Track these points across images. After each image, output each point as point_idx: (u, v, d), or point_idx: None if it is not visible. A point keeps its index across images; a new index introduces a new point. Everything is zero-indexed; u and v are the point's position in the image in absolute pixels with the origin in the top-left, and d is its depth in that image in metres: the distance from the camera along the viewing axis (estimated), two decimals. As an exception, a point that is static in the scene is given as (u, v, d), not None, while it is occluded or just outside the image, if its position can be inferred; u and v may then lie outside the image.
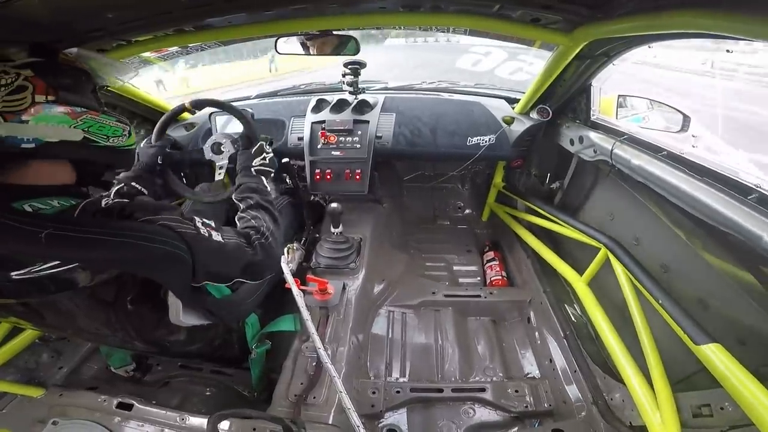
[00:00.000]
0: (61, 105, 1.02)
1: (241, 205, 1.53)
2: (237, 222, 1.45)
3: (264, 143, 1.73)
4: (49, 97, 1.00)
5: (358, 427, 1.12)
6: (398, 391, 1.72)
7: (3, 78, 0.94)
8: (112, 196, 1.14)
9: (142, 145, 1.86)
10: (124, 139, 1.17)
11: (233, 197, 1.58)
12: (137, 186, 1.67)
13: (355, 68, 2.33)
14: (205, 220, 1.20)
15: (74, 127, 1.04)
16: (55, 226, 0.90)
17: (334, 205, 1.98)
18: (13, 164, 1.01)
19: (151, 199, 1.11)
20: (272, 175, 1.73)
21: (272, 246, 1.37)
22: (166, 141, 1.94)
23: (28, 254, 0.94)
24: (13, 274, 0.94)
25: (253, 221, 1.42)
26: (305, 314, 1.47)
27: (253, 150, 1.71)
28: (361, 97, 2.47)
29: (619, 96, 1.90)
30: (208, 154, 1.98)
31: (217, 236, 1.18)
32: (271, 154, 1.74)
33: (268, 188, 1.65)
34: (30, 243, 0.88)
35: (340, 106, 2.47)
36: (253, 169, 1.66)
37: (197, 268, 1.11)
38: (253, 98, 2.92)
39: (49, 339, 1.90)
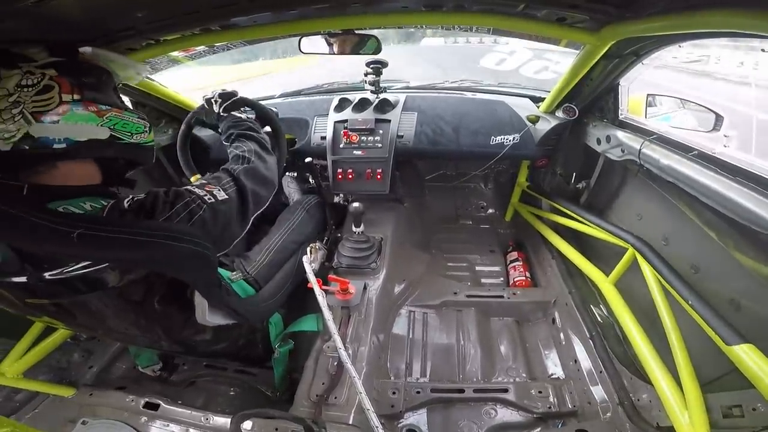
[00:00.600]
0: (88, 103, 1.03)
1: (228, 143, 1.56)
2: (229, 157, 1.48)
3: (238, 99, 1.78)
4: (75, 96, 1.01)
5: (377, 427, 1.12)
6: (418, 392, 1.71)
7: (29, 78, 0.95)
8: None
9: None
10: (145, 136, 1.19)
11: (222, 140, 1.62)
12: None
13: (377, 67, 2.34)
14: (202, 181, 1.23)
15: (101, 125, 1.05)
16: (87, 226, 0.91)
17: (355, 204, 1.98)
18: (43, 166, 1.02)
19: (161, 190, 1.12)
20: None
21: (257, 168, 1.40)
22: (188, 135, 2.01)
23: (61, 254, 0.95)
24: (46, 274, 0.96)
25: (237, 151, 1.45)
26: (327, 314, 1.47)
27: (232, 111, 1.75)
28: (382, 96, 2.48)
29: (648, 95, 1.87)
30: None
31: (219, 193, 1.21)
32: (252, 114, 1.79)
33: (254, 126, 1.67)
34: (63, 243, 0.89)
35: (362, 105, 2.48)
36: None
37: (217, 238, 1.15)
38: (277, 97, 2.96)
39: (80, 339, 1.95)
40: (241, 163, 1.37)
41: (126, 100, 1.44)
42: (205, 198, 1.15)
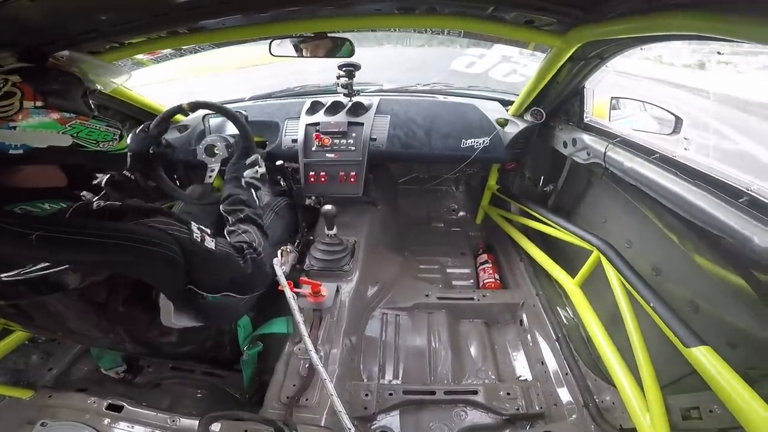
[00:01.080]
0: (50, 111, 1.02)
1: (231, 218, 1.53)
2: (227, 236, 1.45)
3: (260, 156, 1.74)
4: (38, 103, 1.00)
5: (349, 429, 1.12)
6: (391, 394, 1.71)
7: None
8: (103, 183, 1.14)
9: (136, 131, 1.87)
10: (114, 144, 1.16)
11: (221, 209, 1.58)
12: (126, 173, 1.67)
13: (350, 70, 2.31)
14: (201, 226, 1.20)
15: (63, 133, 1.04)
16: (46, 228, 0.90)
17: (328, 207, 1.96)
18: (2, 168, 1.01)
19: (142, 202, 1.11)
20: (259, 189, 1.73)
21: (263, 261, 1.39)
22: (159, 133, 1.95)
23: (18, 256, 0.93)
24: (2, 275, 0.94)
25: (244, 235, 1.42)
26: (298, 317, 1.46)
27: (248, 161, 1.72)
28: (355, 99, 2.46)
29: (612, 98, 1.90)
30: (201, 156, 1.97)
31: (210, 243, 1.18)
32: (264, 169, 1.75)
33: (257, 202, 1.66)
34: (20, 245, 0.88)
35: (334, 108, 2.46)
36: (243, 181, 1.66)
37: (186, 271, 1.11)
38: (247, 100, 2.92)
39: (38, 340, 1.89)
40: (251, 249, 1.36)
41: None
42: (193, 235, 1.13)
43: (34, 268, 0.94)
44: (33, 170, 1.05)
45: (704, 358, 1.08)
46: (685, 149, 1.46)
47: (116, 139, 1.17)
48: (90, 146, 1.10)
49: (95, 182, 1.26)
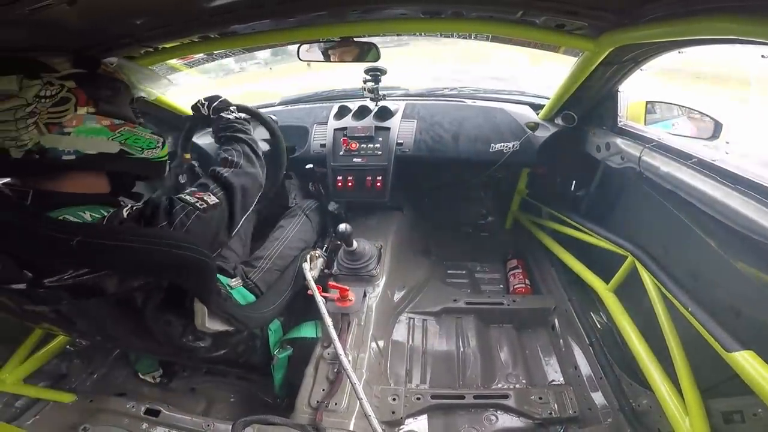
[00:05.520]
0: (101, 117, 1.05)
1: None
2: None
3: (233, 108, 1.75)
4: (90, 109, 1.04)
5: None
6: (419, 398, 1.70)
7: (48, 89, 0.97)
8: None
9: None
10: (157, 151, 1.21)
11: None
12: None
13: (376, 75, 2.32)
14: (192, 188, 1.23)
15: (112, 140, 1.08)
16: (86, 233, 0.93)
17: (342, 227, 1.93)
18: (52, 174, 1.04)
19: (160, 198, 1.13)
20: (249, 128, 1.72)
21: (244, 170, 1.40)
22: (188, 161, 2.01)
23: (60, 262, 0.96)
24: (45, 281, 0.96)
25: (225, 153, 1.44)
26: (327, 321, 1.48)
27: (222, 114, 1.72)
28: (381, 103, 2.47)
29: (647, 102, 1.88)
30: None
31: (212, 198, 1.20)
32: (233, 115, 1.72)
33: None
34: (61, 251, 0.90)
35: (361, 112, 2.48)
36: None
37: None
38: (277, 105, 2.96)
39: (79, 345, 1.95)
40: (228, 166, 1.37)
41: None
42: (197, 205, 1.15)
43: (74, 274, 0.97)
44: (79, 176, 1.08)
45: (747, 363, 1.06)
46: (726, 153, 1.43)
47: (159, 147, 1.21)
48: (136, 153, 1.14)
49: (135, 190, 1.29)
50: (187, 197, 1.16)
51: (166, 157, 1.27)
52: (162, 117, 2.37)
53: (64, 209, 1.00)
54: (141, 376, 1.89)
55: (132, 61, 1.55)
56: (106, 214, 1.03)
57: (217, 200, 1.21)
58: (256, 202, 1.42)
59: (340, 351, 1.36)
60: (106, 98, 1.09)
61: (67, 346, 1.87)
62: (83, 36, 1.22)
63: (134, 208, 1.08)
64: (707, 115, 1.66)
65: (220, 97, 1.75)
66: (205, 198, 1.18)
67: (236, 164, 1.39)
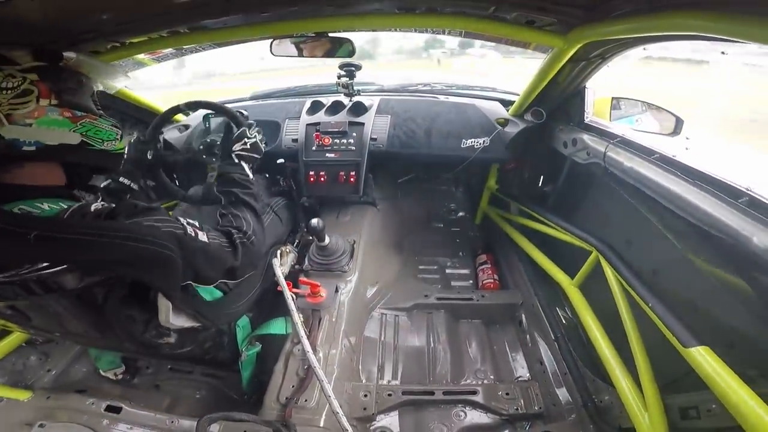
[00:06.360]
0: (63, 109, 1.06)
1: (224, 200, 1.53)
2: (219, 219, 1.45)
3: (247, 129, 1.70)
4: (53, 101, 1.04)
5: (347, 430, 1.12)
6: (390, 394, 1.70)
7: (9, 81, 0.98)
8: (99, 191, 1.15)
9: (132, 140, 1.86)
10: (116, 143, 1.20)
11: (215, 189, 1.58)
12: (125, 181, 1.67)
13: (350, 70, 2.30)
14: (189, 220, 1.21)
15: (73, 131, 1.08)
16: (44, 227, 0.91)
17: (314, 221, 1.92)
18: (8, 166, 1.03)
19: (138, 202, 1.11)
20: (256, 160, 1.71)
21: (254, 244, 1.39)
22: (156, 139, 1.94)
23: (16, 256, 0.94)
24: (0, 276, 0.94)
25: (234, 220, 1.42)
26: (296, 317, 1.46)
27: (234, 135, 1.69)
28: (356, 99, 2.46)
29: (613, 98, 1.90)
30: (201, 156, 1.98)
31: (202, 236, 1.19)
32: (255, 139, 1.70)
33: (250, 176, 1.63)
34: (18, 245, 0.89)
35: (335, 108, 2.47)
36: (234, 155, 1.64)
37: (184, 267, 1.12)
38: (248, 100, 2.93)
39: (36, 341, 1.90)
40: (239, 231, 1.37)
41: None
42: (188, 229, 1.15)
43: (32, 269, 0.94)
44: (35, 168, 1.07)
45: (702, 358, 1.07)
46: (686, 149, 1.46)
47: (117, 139, 1.20)
48: (96, 145, 1.13)
49: (91, 182, 1.26)
50: (180, 218, 1.17)
51: (124, 149, 1.25)
52: (124, 110, 2.32)
53: (20, 201, 0.98)
54: (102, 372, 1.85)
55: (95, 56, 1.53)
56: (65, 206, 1.02)
57: (207, 242, 1.20)
58: None
59: (308, 348, 1.36)
60: (68, 90, 1.09)
61: (24, 343, 1.83)
62: (47, 31, 1.21)
63: (104, 205, 1.07)
64: (669, 112, 1.69)
65: (249, 127, 1.75)
66: (197, 231, 1.19)
67: (247, 235, 1.38)
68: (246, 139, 1.67)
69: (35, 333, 1.69)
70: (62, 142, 1.05)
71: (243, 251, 1.31)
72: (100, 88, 1.35)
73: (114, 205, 1.09)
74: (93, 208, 1.04)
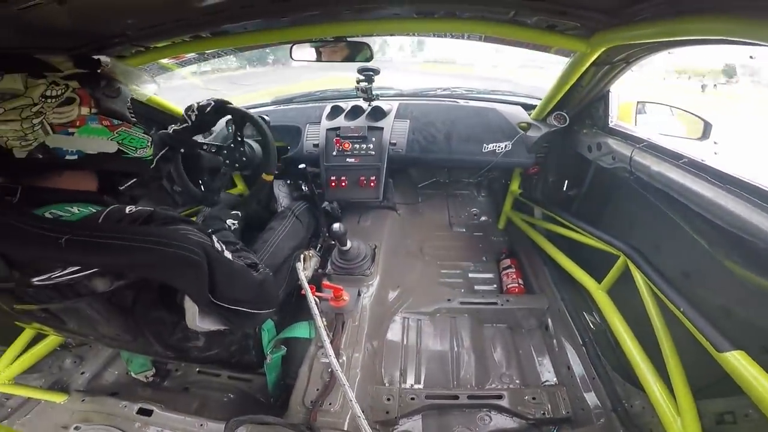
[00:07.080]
0: (102, 117, 1.07)
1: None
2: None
3: (240, 215, 1.86)
4: (93, 110, 1.05)
5: None
6: (413, 398, 1.71)
7: (54, 89, 0.98)
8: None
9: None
10: (147, 151, 1.21)
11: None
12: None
13: (369, 75, 2.31)
14: (221, 238, 1.22)
15: (111, 140, 1.09)
16: (75, 231, 0.92)
17: (336, 226, 1.94)
18: (47, 173, 1.05)
19: (171, 210, 1.13)
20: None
21: (271, 284, 1.39)
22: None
23: (48, 260, 0.95)
24: (34, 280, 0.96)
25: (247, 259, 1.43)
26: (319, 322, 1.47)
27: (233, 212, 1.85)
28: (375, 103, 2.48)
29: (638, 102, 1.89)
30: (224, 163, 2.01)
31: (228, 255, 1.20)
32: (237, 225, 1.82)
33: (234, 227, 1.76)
34: (50, 248, 0.90)
35: (354, 112, 2.49)
36: (225, 222, 1.76)
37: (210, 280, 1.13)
38: (270, 105, 2.96)
39: (71, 345, 1.94)
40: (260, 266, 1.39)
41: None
42: (215, 244, 1.16)
43: (64, 272, 0.96)
44: (72, 174, 1.08)
45: (738, 363, 1.06)
46: (715, 153, 1.44)
47: (148, 146, 1.22)
48: (131, 152, 1.15)
49: (121, 188, 1.29)
50: (213, 237, 1.18)
51: (152, 156, 1.26)
52: (151, 116, 2.36)
53: (51, 206, 1.00)
54: (133, 375, 1.87)
55: (122, 61, 1.56)
56: (93, 210, 1.03)
57: (231, 259, 1.21)
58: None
59: (331, 353, 1.36)
60: (106, 98, 1.10)
61: (59, 346, 1.86)
62: (74, 36, 1.24)
63: (139, 209, 1.07)
64: (697, 116, 1.67)
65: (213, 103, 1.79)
66: (224, 249, 1.20)
67: (268, 274, 1.40)
68: (236, 222, 1.81)
69: (70, 336, 1.73)
70: (101, 151, 1.07)
71: (267, 279, 1.33)
72: (133, 95, 1.37)
73: (150, 210, 1.10)
74: (128, 210, 1.05)
